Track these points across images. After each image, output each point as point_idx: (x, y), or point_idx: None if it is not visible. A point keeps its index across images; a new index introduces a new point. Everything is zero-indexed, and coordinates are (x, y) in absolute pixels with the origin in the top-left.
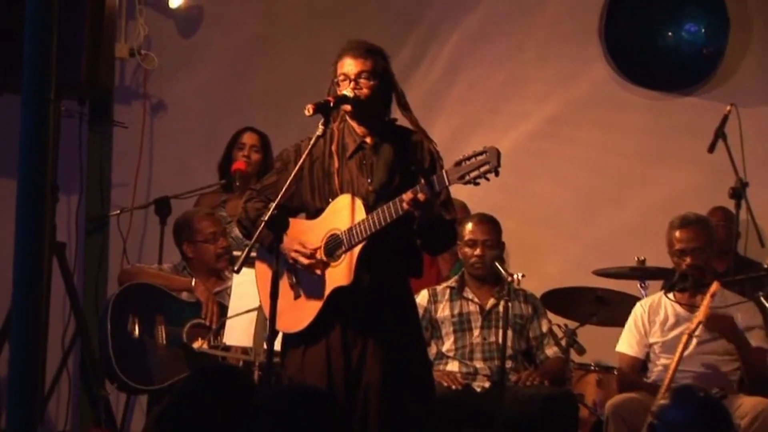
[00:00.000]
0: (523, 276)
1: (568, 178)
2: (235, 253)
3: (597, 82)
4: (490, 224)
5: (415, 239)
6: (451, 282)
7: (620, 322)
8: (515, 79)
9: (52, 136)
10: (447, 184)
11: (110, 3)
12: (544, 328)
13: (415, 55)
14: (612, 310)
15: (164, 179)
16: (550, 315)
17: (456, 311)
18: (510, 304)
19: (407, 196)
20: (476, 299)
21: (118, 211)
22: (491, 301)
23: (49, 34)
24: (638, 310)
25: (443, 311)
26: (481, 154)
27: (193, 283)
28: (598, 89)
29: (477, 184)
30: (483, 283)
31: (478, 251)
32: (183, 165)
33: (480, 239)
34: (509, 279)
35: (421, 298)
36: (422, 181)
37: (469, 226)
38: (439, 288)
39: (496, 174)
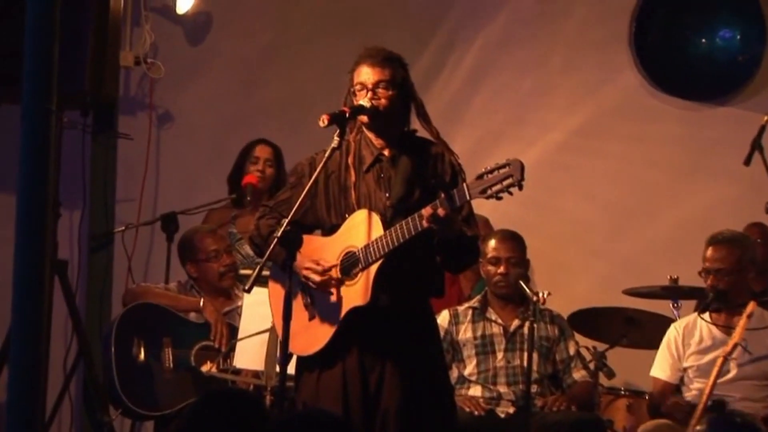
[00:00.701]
0: (548, 294)
1: (596, 193)
2: (244, 271)
3: (627, 92)
4: (514, 241)
5: (436, 256)
6: (473, 302)
7: (651, 344)
8: (541, 88)
9: (54, 148)
10: (468, 198)
11: (115, 9)
12: (572, 351)
13: (435, 63)
14: (643, 331)
15: (171, 194)
16: (578, 336)
17: (478, 333)
18: (535, 326)
19: (426, 211)
20: (500, 320)
21: (123, 228)
22: (515, 322)
23: (50, 41)
24: (672, 333)
25: (465, 333)
26: (503, 167)
27: (201, 303)
28: (628, 99)
29: (499, 198)
30: (507, 303)
31: (501, 269)
32: (191, 179)
33: (504, 256)
34: (534, 298)
35: (442, 319)
36: (442, 195)
37: (492, 242)
38: (460, 308)
39: (520, 188)
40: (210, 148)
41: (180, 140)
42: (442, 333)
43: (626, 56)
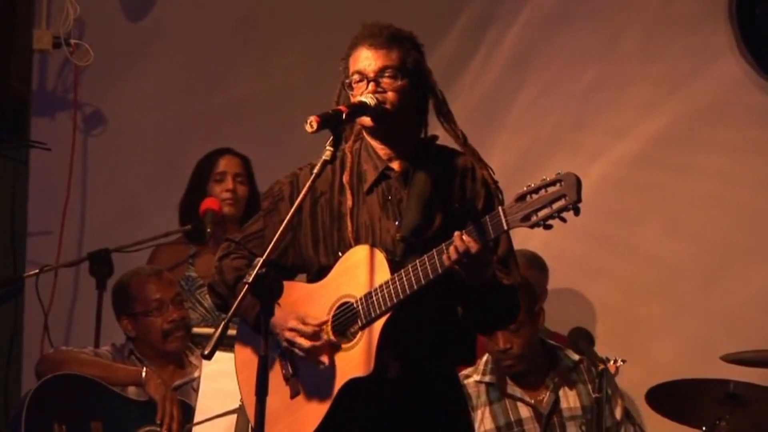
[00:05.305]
0: (623, 362)
1: (685, 224)
2: (202, 329)
3: (727, 85)
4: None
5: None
6: (483, 372)
7: (762, 428)
8: (608, 81)
9: None
10: (506, 227)
11: None
12: (618, 415)
13: (463, 47)
14: (749, 411)
15: (103, 225)
16: (659, 420)
17: (502, 421)
18: (574, 391)
19: (452, 246)
20: (527, 397)
21: (37, 271)
22: (547, 397)
23: None
24: None
25: (483, 423)
26: (553, 183)
27: (143, 374)
28: (729, 94)
29: (548, 227)
30: (529, 373)
31: (501, 343)
32: (129, 204)
33: None
34: (600, 366)
35: None
36: (471, 225)
37: None
38: (468, 384)
39: (576, 212)
40: (155, 162)
41: (115, 151)
42: None
43: (726, 36)
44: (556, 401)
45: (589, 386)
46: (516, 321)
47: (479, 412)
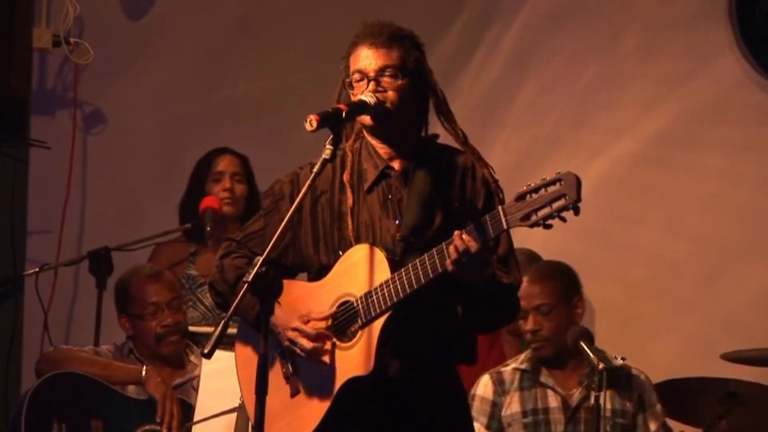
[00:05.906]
0: (623, 360)
1: (686, 224)
2: (198, 328)
3: (727, 84)
4: (545, 281)
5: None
6: (521, 362)
7: (763, 428)
8: (608, 80)
9: None
10: (505, 227)
11: None
12: (653, 427)
13: (463, 44)
14: (750, 410)
15: (102, 223)
16: None
17: (529, 406)
18: (605, 394)
19: (452, 246)
20: (558, 388)
21: (37, 270)
22: (578, 392)
23: None
24: None
25: (510, 406)
26: (553, 183)
27: (143, 373)
28: (729, 93)
29: (548, 227)
30: (562, 363)
31: (530, 323)
32: (129, 202)
33: (531, 305)
34: (599, 366)
35: (484, 387)
36: (470, 224)
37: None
38: (505, 370)
39: (576, 212)
40: (155, 161)
41: (115, 150)
42: (488, 408)
43: (726, 35)
44: (586, 397)
45: (623, 394)
46: (547, 305)
47: (508, 397)
